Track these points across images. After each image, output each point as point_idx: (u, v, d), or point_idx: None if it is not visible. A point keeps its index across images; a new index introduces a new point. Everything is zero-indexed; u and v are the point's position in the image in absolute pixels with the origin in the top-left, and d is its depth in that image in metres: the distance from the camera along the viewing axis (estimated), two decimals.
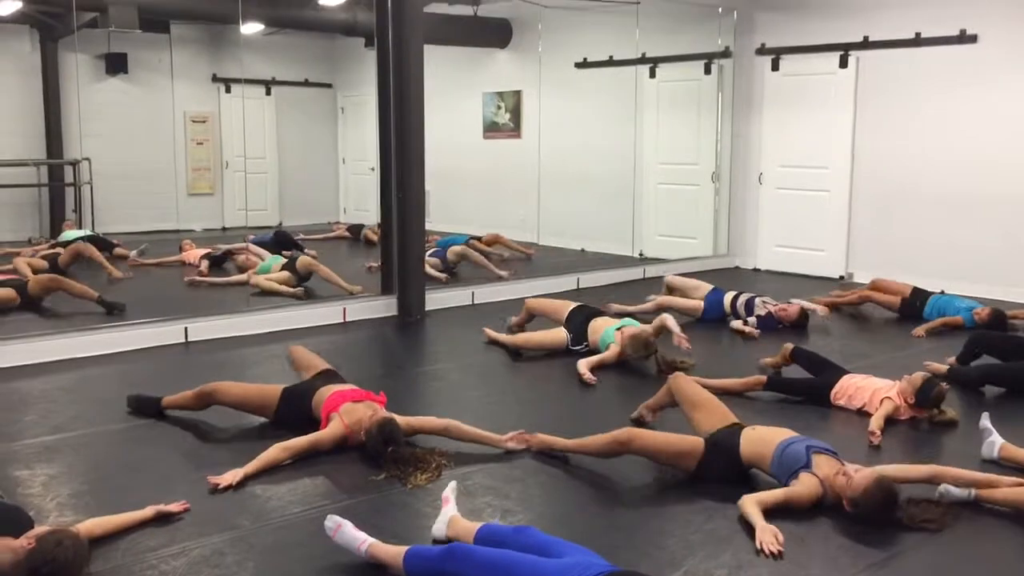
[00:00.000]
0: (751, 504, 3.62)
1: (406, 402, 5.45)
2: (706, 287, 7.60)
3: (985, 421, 4.45)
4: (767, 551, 3.33)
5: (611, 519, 3.71)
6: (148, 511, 3.56)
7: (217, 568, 3.19)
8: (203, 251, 9.97)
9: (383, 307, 7.75)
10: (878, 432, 4.63)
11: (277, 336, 6.92)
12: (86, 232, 10.66)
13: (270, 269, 8.71)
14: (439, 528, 3.38)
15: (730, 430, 4.07)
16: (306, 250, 9.71)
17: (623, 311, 7.15)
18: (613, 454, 4.09)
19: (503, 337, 6.60)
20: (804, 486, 3.72)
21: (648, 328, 6.06)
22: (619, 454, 4.07)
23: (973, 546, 3.53)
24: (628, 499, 3.92)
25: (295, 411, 4.59)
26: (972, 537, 3.59)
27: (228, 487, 3.90)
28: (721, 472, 3.97)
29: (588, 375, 5.70)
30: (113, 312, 7.20)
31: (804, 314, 7.14)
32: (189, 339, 6.74)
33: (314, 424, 4.47)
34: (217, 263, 9.83)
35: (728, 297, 7.39)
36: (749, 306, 7.23)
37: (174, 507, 3.62)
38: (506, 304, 7.79)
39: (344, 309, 7.58)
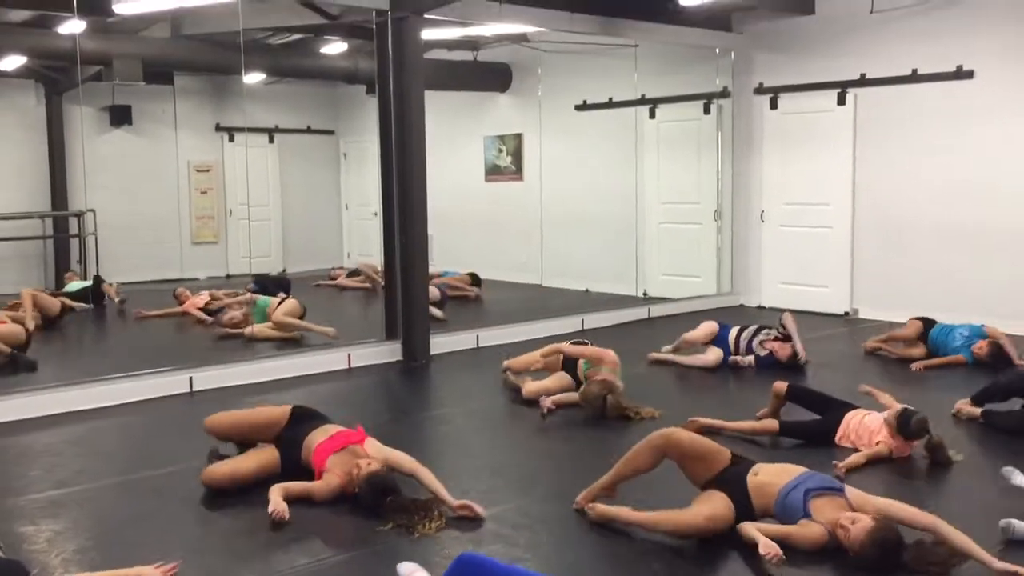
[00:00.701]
0: (751, 528, 3.65)
1: (413, 447, 5.39)
2: (713, 328, 7.51)
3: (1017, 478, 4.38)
4: (771, 557, 3.38)
5: (623, 565, 3.66)
6: (133, 572, 3.46)
7: None
8: (202, 299, 9.97)
9: (388, 352, 7.74)
10: (843, 467, 4.61)
11: (283, 384, 6.90)
12: (87, 284, 10.72)
13: (266, 309, 8.72)
14: None
15: (736, 469, 3.98)
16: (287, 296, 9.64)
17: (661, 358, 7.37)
18: (654, 464, 4.04)
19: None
20: (807, 530, 3.67)
21: (608, 380, 5.87)
22: (658, 462, 4.04)
23: None
24: (641, 548, 3.86)
25: (290, 457, 4.57)
26: None
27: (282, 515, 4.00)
28: (735, 495, 3.88)
29: (546, 402, 5.87)
30: (23, 369, 7.22)
31: (794, 356, 7.09)
32: (194, 388, 6.72)
33: (307, 472, 4.48)
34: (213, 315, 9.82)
35: (733, 333, 7.35)
36: (749, 347, 7.21)
37: (160, 571, 3.40)
38: (511, 347, 7.76)
39: (349, 355, 7.57)
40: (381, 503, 4.09)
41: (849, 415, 5.14)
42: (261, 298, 9.09)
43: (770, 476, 3.92)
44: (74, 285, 10.52)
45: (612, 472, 4.12)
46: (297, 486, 4.27)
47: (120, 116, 12.31)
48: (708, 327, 7.45)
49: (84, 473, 4.88)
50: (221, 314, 9.00)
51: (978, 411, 5.53)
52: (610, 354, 6.10)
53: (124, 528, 4.12)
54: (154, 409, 6.30)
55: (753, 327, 7.38)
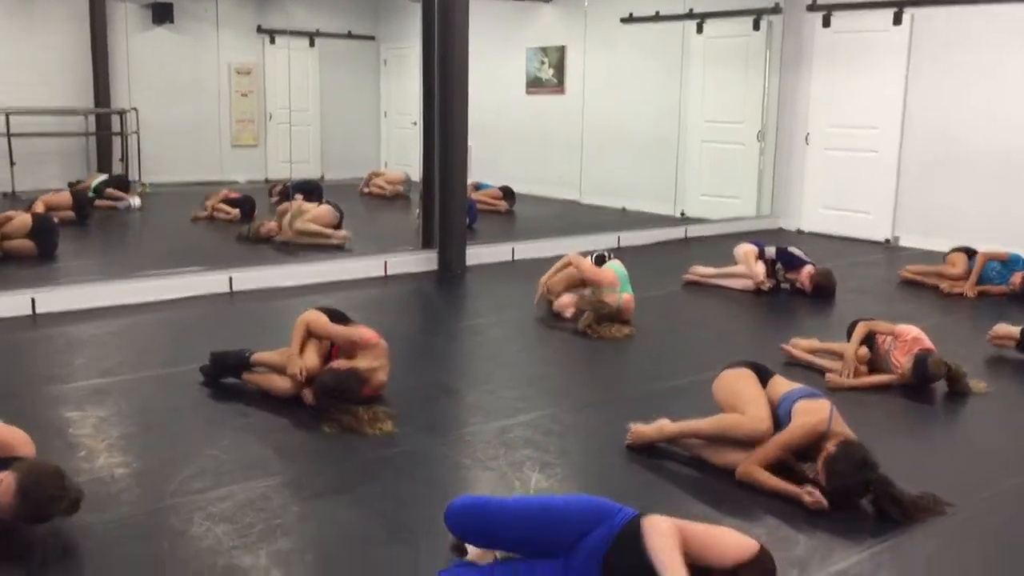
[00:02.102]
0: (758, 472, 3.52)
1: (447, 356, 5.51)
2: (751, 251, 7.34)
3: None
4: (813, 503, 3.33)
5: (647, 473, 3.73)
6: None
7: (262, 511, 3.27)
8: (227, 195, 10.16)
9: (424, 261, 7.79)
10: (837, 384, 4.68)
11: (321, 288, 6.99)
12: (105, 176, 11.05)
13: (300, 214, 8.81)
14: None
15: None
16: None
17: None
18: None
19: None
20: (795, 424, 3.56)
21: (603, 300, 5.90)
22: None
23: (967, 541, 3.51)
24: (666, 455, 3.92)
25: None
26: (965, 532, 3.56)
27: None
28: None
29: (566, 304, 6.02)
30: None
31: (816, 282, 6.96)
32: (234, 289, 6.84)
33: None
34: (243, 209, 9.96)
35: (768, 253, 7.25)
36: (774, 272, 7.13)
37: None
38: (547, 261, 7.77)
39: (385, 263, 7.63)
40: (331, 404, 4.16)
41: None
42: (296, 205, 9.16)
43: (772, 391, 3.83)
44: (97, 179, 10.88)
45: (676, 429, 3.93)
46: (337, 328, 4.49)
47: (162, 13, 12.22)
48: (748, 251, 7.33)
49: (127, 364, 5.02)
50: (257, 223, 9.05)
51: (1016, 330, 5.43)
52: (605, 275, 6.07)
53: (167, 418, 4.25)
54: (195, 307, 6.42)
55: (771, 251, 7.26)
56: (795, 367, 5.06)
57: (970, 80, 8.77)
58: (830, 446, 3.45)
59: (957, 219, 8.84)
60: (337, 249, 8.19)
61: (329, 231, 8.43)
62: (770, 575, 2.39)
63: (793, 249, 7.26)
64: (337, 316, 4.61)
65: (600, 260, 6.34)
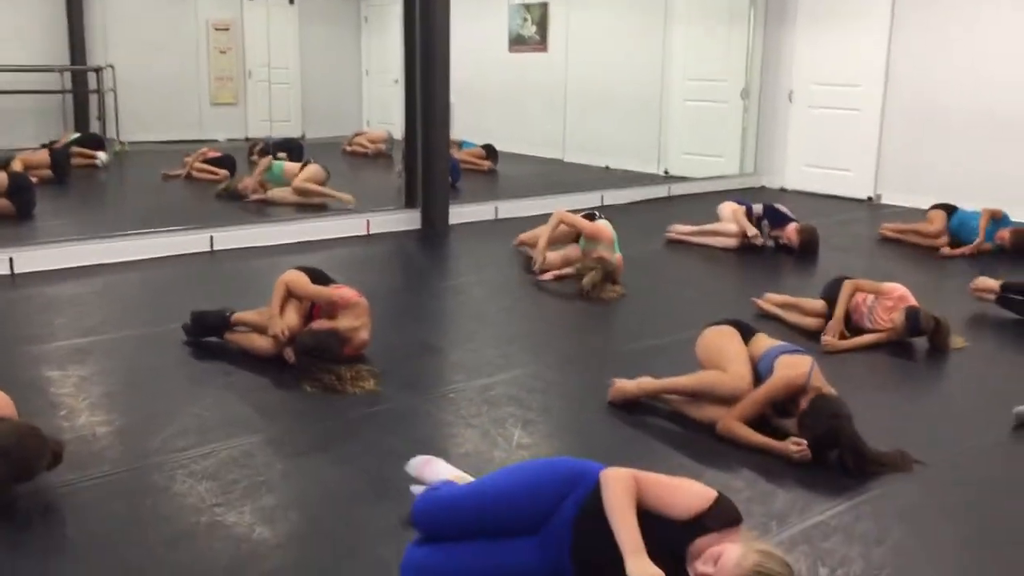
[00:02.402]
0: (739, 427, 3.54)
1: (429, 314, 5.51)
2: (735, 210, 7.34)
3: None
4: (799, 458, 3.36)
5: (628, 428, 3.76)
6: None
7: (246, 468, 3.28)
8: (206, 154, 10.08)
9: (406, 220, 7.75)
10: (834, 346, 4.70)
11: (302, 247, 6.97)
12: (78, 135, 10.99)
13: (281, 173, 8.76)
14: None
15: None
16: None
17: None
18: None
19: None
20: (776, 377, 3.58)
21: (603, 257, 5.87)
22: None
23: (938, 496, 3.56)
24: (647, 411, 3.95)
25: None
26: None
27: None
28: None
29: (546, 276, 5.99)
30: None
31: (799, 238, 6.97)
32: (215, 248, 6.79)
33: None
34: (225, 166, 9.89)
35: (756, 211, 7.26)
36: (760, 227, 7.11)
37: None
38: (530, 219, 7.76)
39: (368, 221, 7.59)
40: (312, 364, 4.17)
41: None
42: (276, 162, 9.08)
43: (752, 350, 3.85)
44: (69, 138, 10.80)
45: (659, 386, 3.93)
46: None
47: None
48: (735, 208, 7.33)
49: (109, 323, 4.99)
50: (236, 180, 8.99)
51: (996, 283, 5.50)
52: (606, 231, 6.06)
53: (149, 376, 4.24)
54: (176, 265, 6.38)
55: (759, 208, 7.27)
56: (766, 320, 5.11)
57: (953, 37, 8.75)
58: (805, 401, 3.50)
59: (938, 177, 8.87)
60: (320, 209, 8.13)
61: (335, 192, 8.35)
62: (735, 522, 2.38)
63: (779, 206, 7.28)
64: (318, 276, 4.58)
65: (591, 219, 6.30)
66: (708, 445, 3.58)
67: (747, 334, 3.92)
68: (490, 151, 11.17)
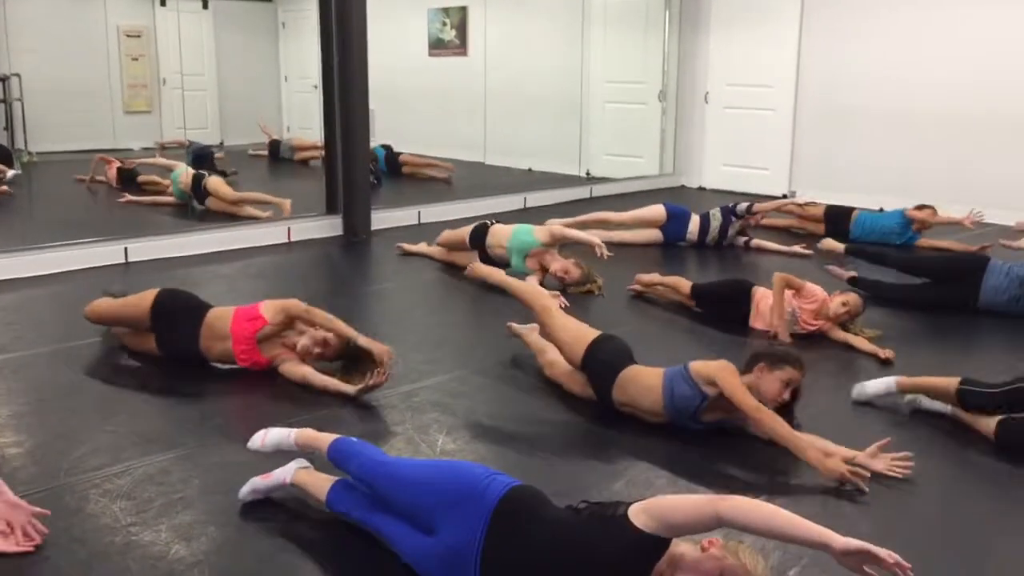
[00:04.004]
0: (774, 419, 3.37)
1: (354, 321, 5.43)
2: (658, 214, 7.41)
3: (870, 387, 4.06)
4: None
5: (557, 436, 3.78)
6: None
7: (162, 485, 3.20)
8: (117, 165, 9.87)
9: (328, 227, 7.68)
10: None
11: (221, 256, 6.84)
12: None
13: (179, 178, 8.59)
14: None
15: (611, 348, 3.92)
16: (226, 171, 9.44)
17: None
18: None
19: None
20: (726, 383, 3.48)
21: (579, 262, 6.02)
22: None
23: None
24: (577, 415, 3.98)
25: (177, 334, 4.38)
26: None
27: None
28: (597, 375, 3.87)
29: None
30: None
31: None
32: (129, 259, 6.63)
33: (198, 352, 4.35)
34: (130, 178, 9.69)
35: (695, 222, 7.27)
36: (725, 235, 7.20)
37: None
38: (453, 223, 7.75)
39: (289, 229, 7.50)
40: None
41: (758, 295, 5.11)
42: (175, 169, 8.92)
43: (646, 374, 3.77)
44: None
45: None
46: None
47: None
48: (653, 212, 7.42)
49: (20, 340, 4.83)
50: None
51: (842, 247, 5.89)
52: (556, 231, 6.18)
53: (60, 395, 4.11)
54: (88, 279, 6.20)
55: (717, 212, 7.28)
56: (639, 300, 5.61)
57: (862, 36, 9.03)
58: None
59: (852, 173, 9.14)
60: (249, 219, 7.93)
61: (273, 198, 8.16)
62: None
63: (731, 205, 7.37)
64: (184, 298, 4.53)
65: (484, 227, 6.43)
66: (643, 438, 3.63)
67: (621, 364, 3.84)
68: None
